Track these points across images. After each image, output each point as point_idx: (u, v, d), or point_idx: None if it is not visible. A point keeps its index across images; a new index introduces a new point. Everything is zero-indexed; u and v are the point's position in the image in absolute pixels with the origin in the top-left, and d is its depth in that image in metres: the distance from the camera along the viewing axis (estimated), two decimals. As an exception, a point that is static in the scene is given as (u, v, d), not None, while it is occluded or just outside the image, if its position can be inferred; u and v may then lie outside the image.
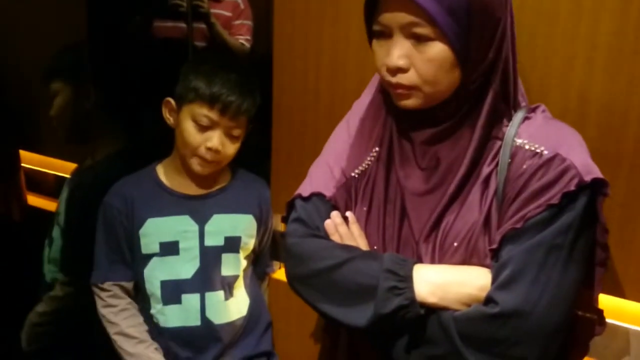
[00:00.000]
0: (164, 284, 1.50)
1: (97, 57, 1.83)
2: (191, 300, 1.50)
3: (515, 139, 1.02)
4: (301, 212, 1.15)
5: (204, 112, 1.43)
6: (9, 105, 2.23)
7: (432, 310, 1.01)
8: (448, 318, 0.99)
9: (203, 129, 1.44)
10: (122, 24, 2.05)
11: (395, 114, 1.09)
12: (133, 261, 1.53)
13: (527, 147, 1.01)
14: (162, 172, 1.56)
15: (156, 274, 1.50)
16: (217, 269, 1.52)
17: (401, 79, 1.00)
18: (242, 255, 1.56)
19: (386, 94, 1.10)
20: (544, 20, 1.22)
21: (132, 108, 1.73)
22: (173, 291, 1.50)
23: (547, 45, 1.22)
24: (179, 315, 1.50)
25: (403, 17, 0.96)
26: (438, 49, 0.96)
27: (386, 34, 1.00)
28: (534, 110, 1.07)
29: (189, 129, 1.45)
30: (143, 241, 1.50)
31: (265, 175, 1.65)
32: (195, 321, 1.50)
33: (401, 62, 0.98)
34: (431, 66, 0.97)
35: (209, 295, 1.51)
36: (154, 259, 1.50)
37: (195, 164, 1.48)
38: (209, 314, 1.51)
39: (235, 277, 1.55)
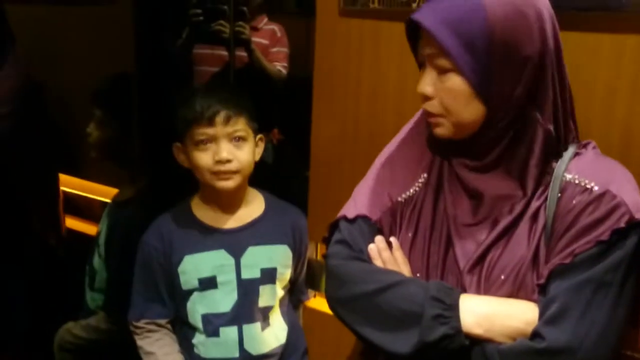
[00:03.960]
0: (204, 318, 1.50)
1: (142, 84, 1.86)
2: (229, 333, 1.50)
3: (565, 174, 1.01)
4: (345, 233, 1.14)
5: (199, 131, 1.45)
6: (51, 130, 2.26)
7: (476, 341, 0.99)
8: (493, 350, 0.98)
9: (207, 148, 1.46)
10: (167, 51, 2.09)
11: (439, 142, 1.10)
12: (173, 297, 1.54)
13: (577, 182, 1.00)
14: (196, 207, 1.57)
15: (197, 307, 1.51)
16: (255, 300, 1.52)
17: (428, 106, 1.04)
18: (279, 286, 1.56)
19: None
20: (586, 55, 1.22)
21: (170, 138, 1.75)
22: (212, 324, 1.50)
23: (590, 80, 1.22)
24: (218, 347, 1.50)
25: (428, 49, 1.01)
26: (455, 81, 0.99)
27: (423, 63, 1.04)
28: (584, 146, 1.07)
29: (196, 154, 1.47)
30: (182, 278, 1.51)
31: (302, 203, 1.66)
32: (234, 353, 1.50)
33: (426, 90, 1.03)
34: (450, 97, 1.01)
35: (246, 328, 1.51)
36: (195, 294, 1.51)
37: (217, 182, 1.47)
38: (247, 346, 1.51)
39: (271, 308, 1.55)
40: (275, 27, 2.30)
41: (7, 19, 2.05)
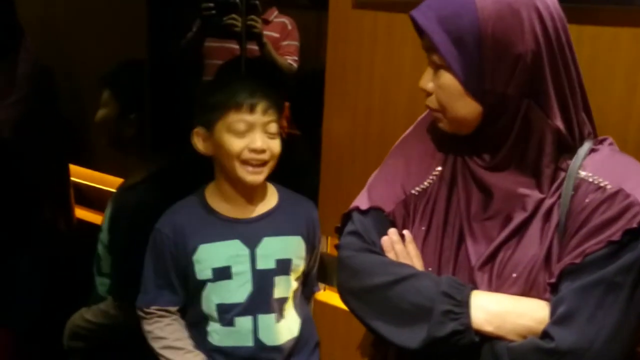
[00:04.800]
0: (219, 307, 1.51)
1: (153, 73, 1.86)
2: (244, 322, 1.50)
3: (580, 171, 1.00)
4: (358, 225, 1.14)
5: (238, 118, 1.44)
6: (61, 120, 2.27)
7: (486, 338, 0.99)
8: (502, 348, 0.98)
9: (242, 135, 1.45)
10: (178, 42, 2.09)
11: (452, 137, 1.09)
12: (185, 286, 1.54)
13: (590, 180, 0.99)
14: (211, 197, 1.56)
15: (212, 297, 1.51)
16: (270, 291, 1.52)
17: (428, 101, 1.06)
18: (292, 277, 1.56)
19: None
20: (603, 49, 1.20)
21: (180, 126, 1.75)
22: (227, 314, 1.50)
23: (607, 75, 1.21)
24: (232, 336, 1.51)
25: (425, 45, 1.03)
26: (446, 78, 1.00)
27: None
28: (601, 142, 1.06)
29: (229, 140, 1.45)
30: (197, 267, 1.51)
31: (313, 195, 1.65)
32: (248, 342, 1.51)
33: (425, 86, 1.05)
34: (442, 93, 1.02)
35: (261, 318, 1.51)
36: (209, 284, 1.51)
37: (245, 173, 1.46)
38: (261, 336, 1.51)
39: (286, 299, 1.55)
40: (286, 20, 2.29)
41: (16, 6, 2.06)
